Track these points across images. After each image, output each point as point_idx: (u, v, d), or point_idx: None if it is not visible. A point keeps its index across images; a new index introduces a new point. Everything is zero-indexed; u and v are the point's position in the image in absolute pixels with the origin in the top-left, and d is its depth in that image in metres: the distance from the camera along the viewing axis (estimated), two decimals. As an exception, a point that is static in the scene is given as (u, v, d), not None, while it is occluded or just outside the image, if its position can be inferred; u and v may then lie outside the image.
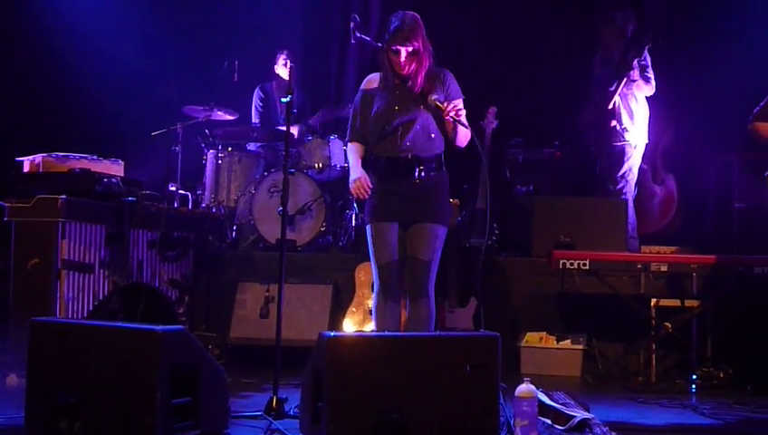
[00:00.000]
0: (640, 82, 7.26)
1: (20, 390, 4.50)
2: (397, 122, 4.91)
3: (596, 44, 7.72)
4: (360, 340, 4.03)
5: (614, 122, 7.23)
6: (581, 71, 7.85)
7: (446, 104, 4.80)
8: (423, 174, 4.90)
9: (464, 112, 4.86)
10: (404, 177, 4.91)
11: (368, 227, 5.03)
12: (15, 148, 6.32)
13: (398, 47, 4.83)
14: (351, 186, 4.97)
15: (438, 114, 4.88)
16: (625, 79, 7.16)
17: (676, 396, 5.58)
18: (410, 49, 4.84)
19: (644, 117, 7.37)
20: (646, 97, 7.35)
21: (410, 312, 4.95)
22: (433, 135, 4.94)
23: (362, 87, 5.12)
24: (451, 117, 4.78)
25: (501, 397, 4.04)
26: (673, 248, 6.81)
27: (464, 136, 4.93)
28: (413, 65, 4.87)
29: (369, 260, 6.11)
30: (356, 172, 4.98)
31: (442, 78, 4.98)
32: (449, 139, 4.97)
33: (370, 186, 4.93)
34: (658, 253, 6.31)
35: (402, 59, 4.85)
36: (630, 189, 7.39)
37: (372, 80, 5.10)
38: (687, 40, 8.12)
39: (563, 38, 8.46)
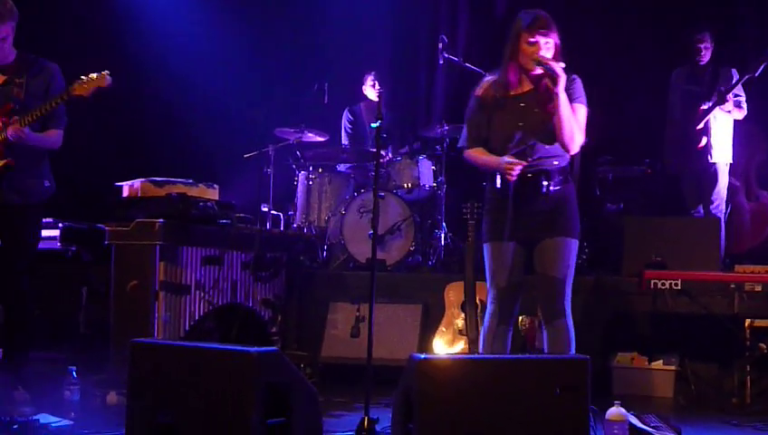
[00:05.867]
0: (734, 109, 7.21)
1: (120, 408, 4.65)
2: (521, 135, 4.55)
3: (680, 60, 7.65)
4: (451, 362, 4.02)
5: (704, 140, 7.16)
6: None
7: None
8: (551, 188, 4.57)
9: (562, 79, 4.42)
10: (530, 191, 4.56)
11: (485, 246, 4.73)
12: (115, 173, 6.52)
13: (538, 37, 4.48)
14: (504, 166, 4.51)
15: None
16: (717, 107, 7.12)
17: (772, 419, 5.48)
18: (549, 41, 4.51)
19: (727, 136, 7.29)
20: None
21: (549, 334, 4.66)
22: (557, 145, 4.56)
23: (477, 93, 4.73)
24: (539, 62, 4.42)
25: (591, 420, 4.03)
26: (768, 267, 6.67)
27: (568, 128, 4.48)
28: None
29: (458, 280, 6.20)
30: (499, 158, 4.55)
31: (571, 79, 4.59)
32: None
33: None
34: (752, 272, 6.19)
35: (541, 51, 4.49)
36: (722, 209, 7.30)
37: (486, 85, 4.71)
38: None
39: (650, 53, 8.40)
